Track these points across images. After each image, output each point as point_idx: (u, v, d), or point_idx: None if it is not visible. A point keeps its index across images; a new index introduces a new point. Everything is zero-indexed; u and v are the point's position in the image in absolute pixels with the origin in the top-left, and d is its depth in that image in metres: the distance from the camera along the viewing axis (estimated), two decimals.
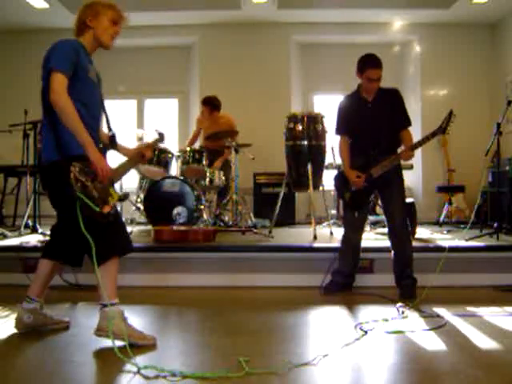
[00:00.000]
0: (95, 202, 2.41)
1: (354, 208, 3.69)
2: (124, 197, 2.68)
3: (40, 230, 4.78)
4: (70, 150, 2.49)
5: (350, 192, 3.66)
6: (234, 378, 2.07)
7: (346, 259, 3.70)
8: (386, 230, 4.83)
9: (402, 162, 3.65)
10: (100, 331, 2.51)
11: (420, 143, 3.45)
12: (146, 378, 2.09)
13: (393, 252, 3.60)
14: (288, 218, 6.25)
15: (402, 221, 3.55)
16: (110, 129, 2.80)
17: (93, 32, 2.72)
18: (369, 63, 3.48)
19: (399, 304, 3.25)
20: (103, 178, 2.47)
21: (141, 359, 2.28)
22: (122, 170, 2.79)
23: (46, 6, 6.45)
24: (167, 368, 2.13)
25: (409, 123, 3.62)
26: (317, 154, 5.02)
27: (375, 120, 3.56)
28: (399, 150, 3.64)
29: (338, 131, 3.75)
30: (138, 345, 2.45)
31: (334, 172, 6.33)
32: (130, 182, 6.19)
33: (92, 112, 2.64)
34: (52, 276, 2.78)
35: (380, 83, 3.55)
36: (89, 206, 2.39)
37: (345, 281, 3.72)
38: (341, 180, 3.76)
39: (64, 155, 2.48)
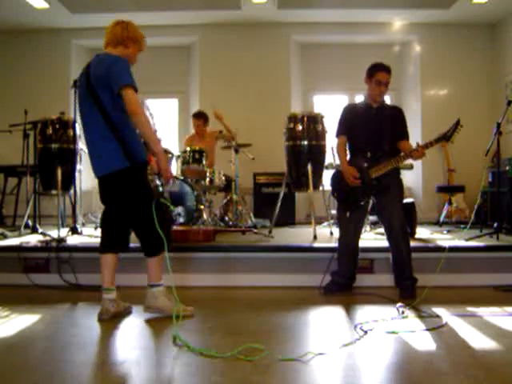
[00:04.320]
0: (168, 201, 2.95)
1: (346, 208, 3.70)
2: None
3: (40, 230, 4.77)
4: (138, 157, 2.91)
5: (344, 191, 3.68)
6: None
7: (344, 261, 3.70)
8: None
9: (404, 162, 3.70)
10: (148, 308, 3.04)
11: (427, 145, 3.51)
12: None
13: (391, 254, 3.60)
14: (288, 218, 6.25)
15: (399, 223, 3.54)
16: None
17: (126, 51, 3.06)
18: (379, 67, 3.67)
19: (399, 304, 3.25)
20: (168, 182, 2.97)
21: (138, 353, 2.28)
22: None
23: (46, 5, 6.45)
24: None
25: (406, 137, 3.74)
26: (317, 153, 5.02)
27: (378, 123, 3.66)
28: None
29: (338, 134, 3.82)
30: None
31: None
32: None
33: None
34: (116, 264, 3.12)
35: (387, 90, 3.70)
36: (167, 206, 2.92)
37: (345, 281, 3.72)
38: (336, 179, 3.79)
39: (134, 162, 2.88)
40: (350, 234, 3.68)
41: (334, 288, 3.69)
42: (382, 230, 5.02)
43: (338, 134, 3.82)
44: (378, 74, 3.63)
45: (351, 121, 3.77)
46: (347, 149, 3.81)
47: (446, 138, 3.53)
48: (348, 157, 3.79)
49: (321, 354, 2.37)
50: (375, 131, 3.65)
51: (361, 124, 3.71)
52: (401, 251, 3.55)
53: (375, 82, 3.64)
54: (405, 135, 3.74)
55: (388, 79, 3.66)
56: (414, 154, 3.54)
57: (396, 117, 3.74)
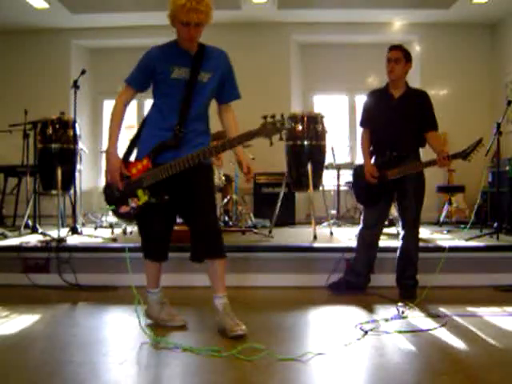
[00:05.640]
0: (114, 200, 2.77)
1: (365, 203, 3.73)
2: (157, 200, 2.70)
3: (40, 230, 4.77)
4: (137, 155, 2.80)
5: (366, 188, 3.64)
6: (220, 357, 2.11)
7: (358, 257, 3.69)
8: (388, 230, 4.84)
9: None
10: (144, 313, 2.95)
11: (449, 157, 3.38)
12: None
13: (398, 249, 3.59)
14: (288, 218, 6.25)
15: (413, 220, 3.52)
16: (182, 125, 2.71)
17: (177, 34, 2.79)
18: (388, 48, 3.62)
19: (399, 304, 3.25)
20: (112, 182, 2.73)
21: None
22: (154, 174, 2.68)
23: (46, 6, 6.45)
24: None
25: (434, 127, 3.56)
26: (317, 154, 5.02)
27: (398, 117, 3.54)
28: (421, 151, 3.63)
29: (361, 124, 3.78)
30: (167, 326, 2.84)
31: (334, 172, 6.41)
32: None
33: (165, 114, 2.73)
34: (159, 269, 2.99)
35: (398, 68, 3.54)
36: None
37: (356, 280, 3.68)
38: (356, 174, 3.80)
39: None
40: (368, 227, 3.66)
41: (341, 287, 3.67)
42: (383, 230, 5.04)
43: (361, 125, 3.78)
44: (388, 53, 3.58)
45: (371, 112, 3.69)
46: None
47: (463, 155, 3.39)
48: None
49: (321, 354, 2.37)
50: (396, 129, 3.52)
51: (380, 118, 3.60)
52: (408, 247, 3.53)
53: (386, 61, 3.57)
54: (431, 125, 3.55)
55: (396, 55, 3.53)
56: (438, 163, 3.40)
57: (421, 104, 3.57)
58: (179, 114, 2.69)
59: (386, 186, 3.56)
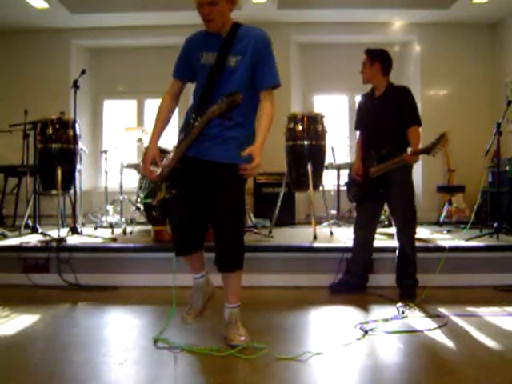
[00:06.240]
0: (151, 193, 2.97)
1: (354, 200, 3.83)
2: (169, 195, 2.65)
3: (40, 230, 4.77)
4: None
5: (355, 186, 3.75)
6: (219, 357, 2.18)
7: (354, 257, 3.71)
8: (386, 229, 4.85)
9: None
10: None
11: (414, 153, 3.40)
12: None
13: (397, 250, 3.59)
14: (288, 218, 6.24)
15: (403, 220, 3.53)
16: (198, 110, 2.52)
17: None
18: None
19: (399, 304, 3.25)
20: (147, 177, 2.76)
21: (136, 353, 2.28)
22: (166, 167, 2.62)
23: (46, 6, 6.45)
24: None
25: (413, 122, 3.52)
26: (317, 153, 5.02)
27: (379, 117, 3.60)
28: (409, 149, 3.64)
29: (355, 127, 3.92)
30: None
31: (334, 172, 6.40)
32: (130, 181, 6.19)
33: (195, 101, 2.60)
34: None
35: (366, 70, 3.63)
36: None
37: (354, 281, 3.69)
38: (348, 174, 3.94)
39: None
40: (360, 227, 3.69)
41: (341, 288, 3.68)
42: (382, 229, 5.04)
43: (354, 128, 3.93)
44: None
45: (360, 114, 3.83)
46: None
47: (426, 151, 3.33)
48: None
49: (320, 353, 2.37)
50: (378, 128, 3.61)
51: (366, 119, 3.73)
52: (401, 246, 3.54)
53: None
54: (410, 120, 3.51)
55: (364, 60, 3.64)
56: (406, 159, 3.42)
57: (400, 101, 3.55)
58: (199, 102, 2.52)
59: (370, 184, 3.62)
